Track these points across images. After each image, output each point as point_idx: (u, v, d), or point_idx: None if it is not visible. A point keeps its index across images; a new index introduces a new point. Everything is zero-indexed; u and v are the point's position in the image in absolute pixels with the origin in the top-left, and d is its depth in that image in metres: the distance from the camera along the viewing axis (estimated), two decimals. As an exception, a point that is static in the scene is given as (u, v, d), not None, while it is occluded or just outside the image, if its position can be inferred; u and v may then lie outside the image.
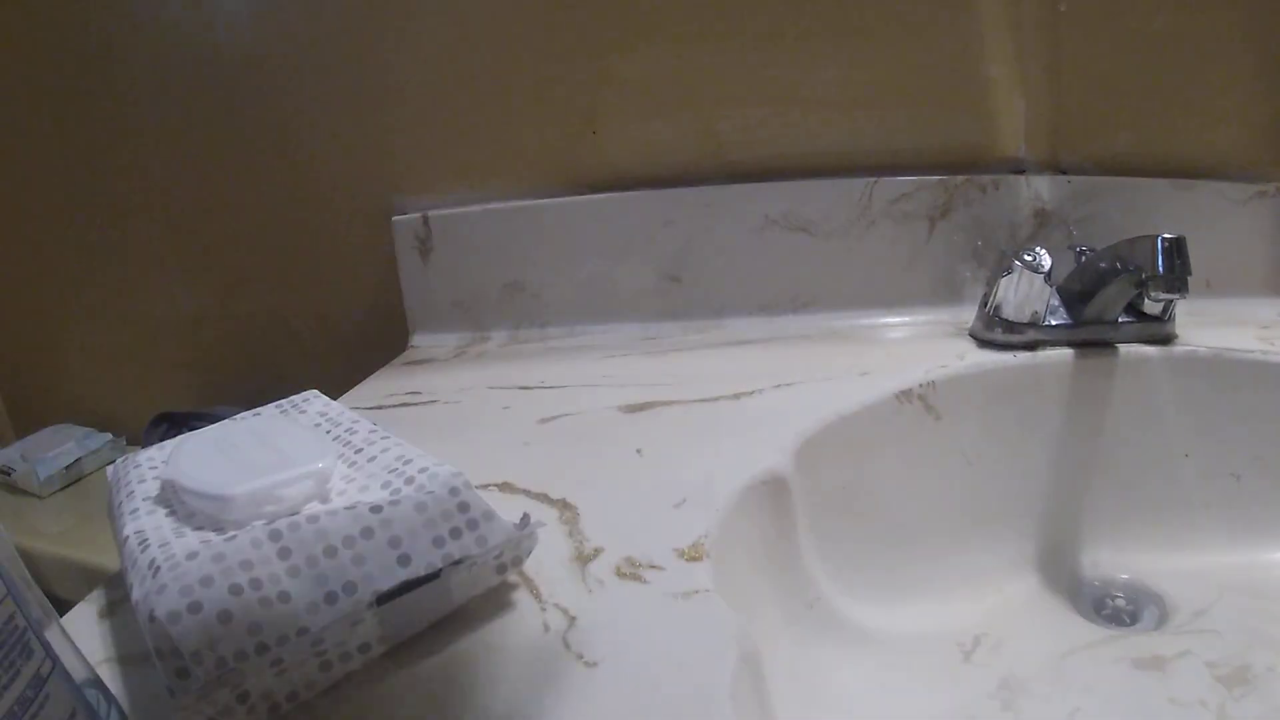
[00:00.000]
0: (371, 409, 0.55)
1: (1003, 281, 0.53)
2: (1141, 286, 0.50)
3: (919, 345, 0.57)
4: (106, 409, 0.94)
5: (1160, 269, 0.48)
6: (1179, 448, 0.53)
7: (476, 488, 0.31)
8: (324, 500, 0.31)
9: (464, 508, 0.30)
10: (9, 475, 0.86)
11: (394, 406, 0.55)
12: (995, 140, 0.63)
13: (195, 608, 0.25)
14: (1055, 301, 0.54)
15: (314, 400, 0.42)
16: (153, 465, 0.36)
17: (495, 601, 0.31)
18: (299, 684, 0.27)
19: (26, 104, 0.75)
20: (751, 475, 0.39)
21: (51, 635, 0.22)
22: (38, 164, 0.80)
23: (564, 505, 0.38)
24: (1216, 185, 0.63)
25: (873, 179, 0.61)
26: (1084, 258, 0.55)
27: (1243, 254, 0.64)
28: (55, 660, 0.21)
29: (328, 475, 0.32)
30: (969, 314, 0.58)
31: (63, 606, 0.29)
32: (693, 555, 0.33)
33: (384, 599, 0.28)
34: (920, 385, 0.50)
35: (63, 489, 0.86)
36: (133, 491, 0.34)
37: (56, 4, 0.72)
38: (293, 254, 0.77)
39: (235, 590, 0.26)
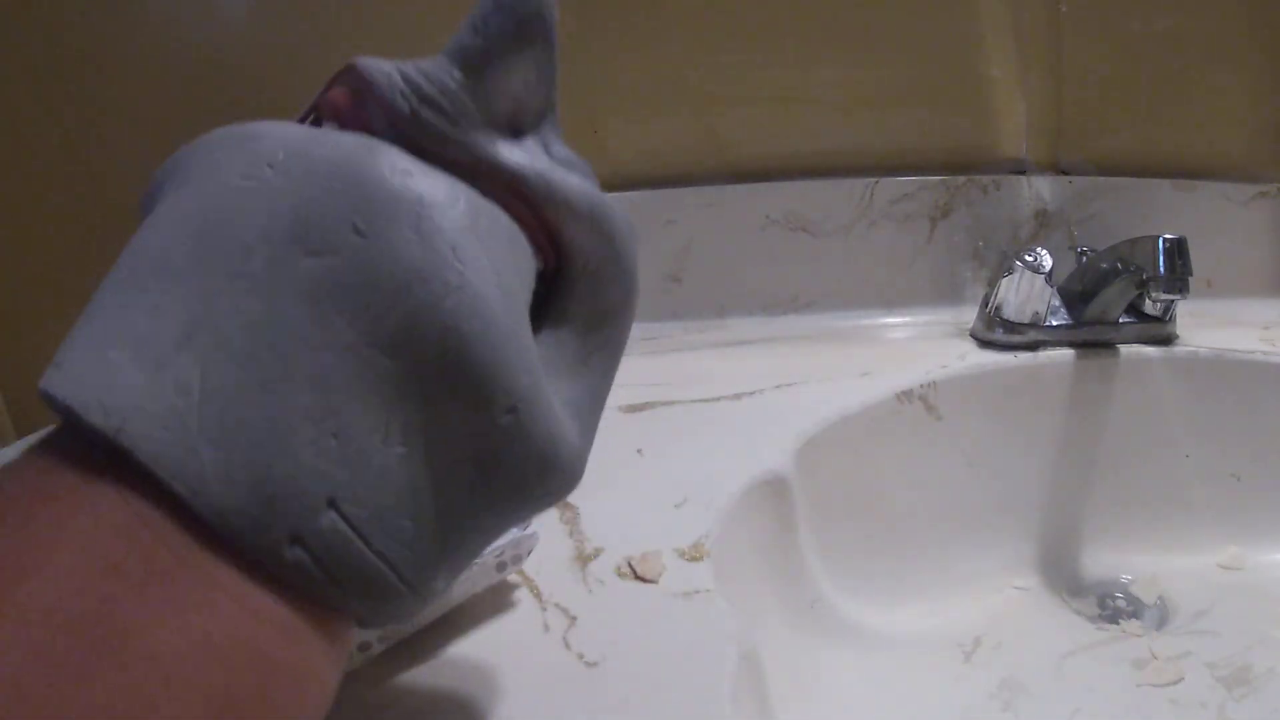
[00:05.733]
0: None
1: (1004, 282, 0.53)
2: (1143, 287, 0.50)
3: (920, 345, 0.57)
4: (107, 408, 0.94)
5: (1161, 269, 0.48)
6: (1179, 448, 0.53)
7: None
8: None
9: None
10: (9, 474, 0.86)
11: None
12: (996, 140, 0.63)
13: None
14: (1056, 302, 0.54)
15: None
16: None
17: (495, 601, 0.31)
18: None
19: (26, 103, 0.75)
20: (752, 475, 0.39)
21: None
22: (38, 164, 0.80)
23: (564, 505, 0.38)
24: (1218, 186, 0.63)
25: (874, 179, 0.61)
26: (1085, 258, 0.55)
27: (1244, 255, 0.64)
28: None
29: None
30: (970, 314, 0.58)
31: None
32: (694, 555, 0.33)
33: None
34: (921, 385, 0.50)
35: (63, 488, 0.86)
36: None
37: (56, 3, 0.72)
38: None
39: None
